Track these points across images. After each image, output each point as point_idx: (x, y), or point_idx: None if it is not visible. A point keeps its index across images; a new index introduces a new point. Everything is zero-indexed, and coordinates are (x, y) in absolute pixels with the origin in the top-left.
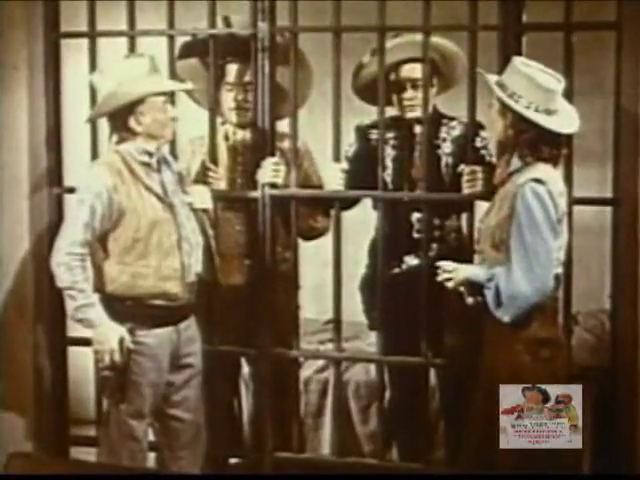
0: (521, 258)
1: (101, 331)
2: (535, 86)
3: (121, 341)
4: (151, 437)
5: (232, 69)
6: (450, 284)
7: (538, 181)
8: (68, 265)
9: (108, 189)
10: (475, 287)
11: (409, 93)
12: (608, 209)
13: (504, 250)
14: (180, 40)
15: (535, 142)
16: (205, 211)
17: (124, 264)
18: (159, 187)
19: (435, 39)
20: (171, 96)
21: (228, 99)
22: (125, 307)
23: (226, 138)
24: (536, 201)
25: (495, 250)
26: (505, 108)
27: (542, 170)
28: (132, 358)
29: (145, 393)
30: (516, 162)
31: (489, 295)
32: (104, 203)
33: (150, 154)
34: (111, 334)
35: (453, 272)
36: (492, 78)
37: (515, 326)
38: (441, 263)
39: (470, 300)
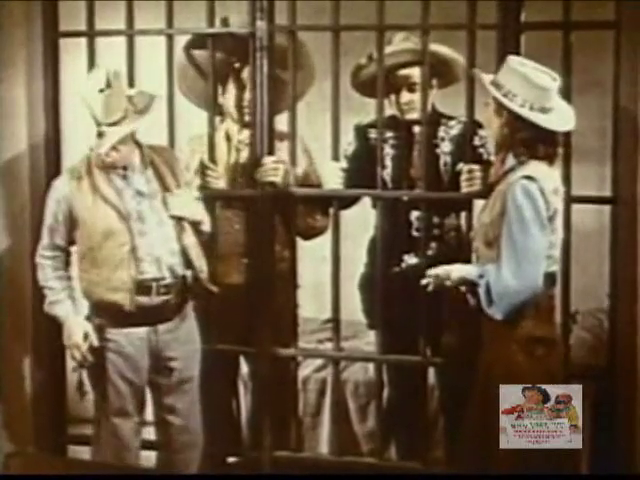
0: (510, 255)
1: (67, 326)
2: (529, 84)
3: (85, 336)
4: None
5: (236, 70)
6: (447, 283)
7: (529, 178)
8: (41, 265)
9: (66, 196)
10: (472, 285)
11: (406, 97)
12: (607, 208)
13: (497, 247)
14: (180, 39)
15: (530, 140)
16: (181, 219)
17: (82, 270)
18: (116, 196)
19: (432, 46)
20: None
21: (231, 99)
22: (95, 305)
23: (227, 138)
24: (525, 198)
25: (488, 247)
26: (501, 107)
27: (535, 168)
28: (105, 356)
29: (123, 391)
30: (511, 160)
31: (481, 292)
32: (63, 210)
33: (115, 160)
34: (75, 329)
35: (444, 273)
36: (487, 78)
37: (508, 323)
38: (430, 271)
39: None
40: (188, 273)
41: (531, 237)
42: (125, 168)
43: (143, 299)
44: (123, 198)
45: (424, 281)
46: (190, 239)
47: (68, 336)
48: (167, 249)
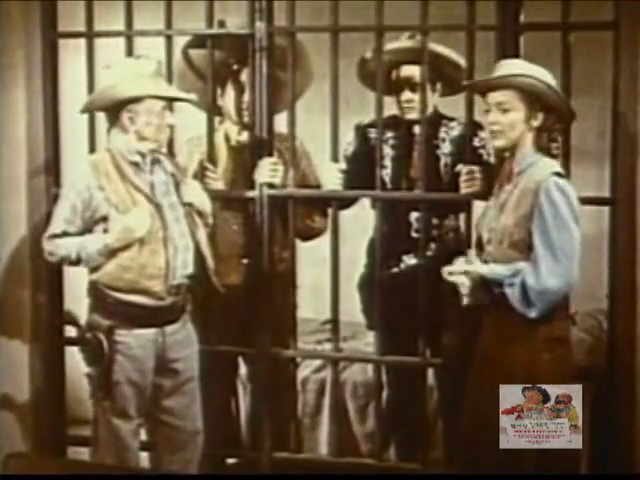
0: (547, 253)
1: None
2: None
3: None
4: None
5: (235, 71)
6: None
7: (560, 175)
8: (49, 246)
9: (90, 188)
10: (486, 286)
11: (407, 95)
12: (606, 209)
13: (524, 248)
14: (179, 40)
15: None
16: (191, 205)
17: (108, 253)
18: (148, 187)
19: (439, 49)
20: (170, 103)
21: (230, 101)
22: (106, 304)
23: (226, 139)
24: (560, 194)
25: (513, 249)
26: (529, 94)
27: (557, 165)
28: (113, 358)
29: (127, 393)
30: (528, 158)
31: (514, 292)
32: (85, 201)
33: (142, 155)
34: (137, 219)
35: (464, 270)
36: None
37: (537, 322)
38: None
39: (467, 300)
40: (196, 272)
41: (568, 233)
42: (152, 163)
43: (158, 301)
44: (153, 190)
45: (451, 278)
46: (203, 236)
47: (127, 229)
48: (183, 244)
